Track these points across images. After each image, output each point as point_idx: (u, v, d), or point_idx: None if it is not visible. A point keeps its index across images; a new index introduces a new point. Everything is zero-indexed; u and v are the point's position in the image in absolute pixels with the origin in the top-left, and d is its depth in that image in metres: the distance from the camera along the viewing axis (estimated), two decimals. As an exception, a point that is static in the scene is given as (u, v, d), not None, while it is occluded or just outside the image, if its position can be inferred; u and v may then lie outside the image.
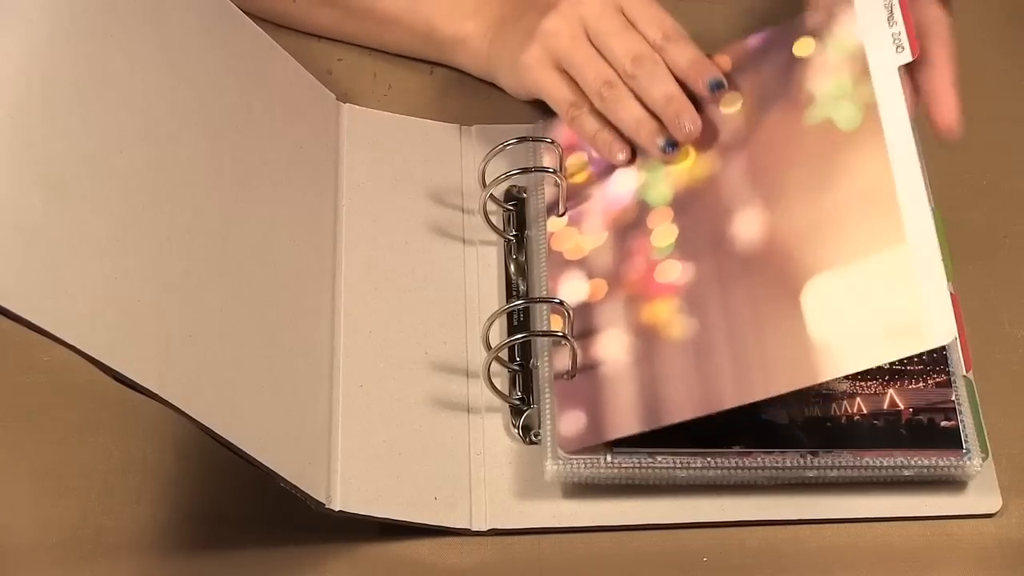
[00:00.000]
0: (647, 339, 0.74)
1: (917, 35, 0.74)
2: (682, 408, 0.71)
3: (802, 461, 0.72)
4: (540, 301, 0.77)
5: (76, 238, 0.61)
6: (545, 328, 0.76)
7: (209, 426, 0.64)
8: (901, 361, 0.74)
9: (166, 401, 0.62)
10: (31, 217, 0.59)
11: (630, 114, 0.79)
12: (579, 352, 0.74)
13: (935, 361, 0.74)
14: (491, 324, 0.75)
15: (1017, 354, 0.79)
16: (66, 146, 0.63)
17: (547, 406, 0.74)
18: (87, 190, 0.63)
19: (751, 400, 0.70)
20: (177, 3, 0.73)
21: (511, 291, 0.80)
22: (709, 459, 0.72)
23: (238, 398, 0.67)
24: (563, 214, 0.80)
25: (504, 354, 0.76)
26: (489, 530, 0.73)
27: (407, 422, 0.74)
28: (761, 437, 0.72)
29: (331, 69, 0.89)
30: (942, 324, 0.67)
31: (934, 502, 0.73)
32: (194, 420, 0.63)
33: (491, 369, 0.75)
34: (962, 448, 0.72)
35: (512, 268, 0.81)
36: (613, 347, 0.74)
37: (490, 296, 0.80)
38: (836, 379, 0.72)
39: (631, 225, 0.78)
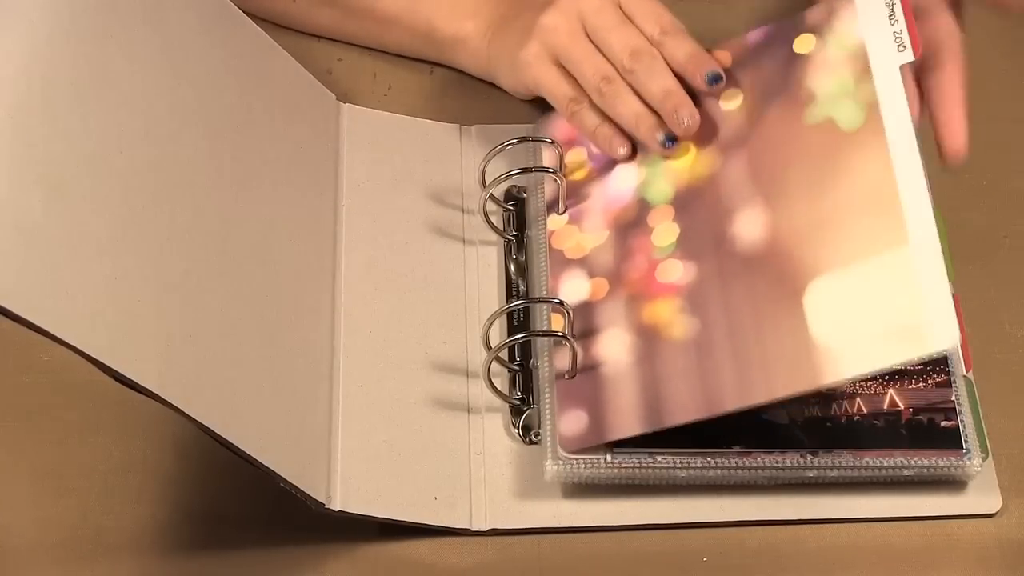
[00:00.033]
0: (648, 339, 0.74)
1: (929, 49, 0.74)
2: (684, 410, 0.71)
3: (802, 461, 0.72)
4: (540, 301, 0.77)
5: (76, 238, 0.61)
6: (545, 328, 0.76)
7: (209, 426, 0.64)
8: (901, 361, 0.74)
9: (166, 401, 0.62)
10: (31, 217, 0.59)
11: (629, 109, 0.79)
12: (579, 352, 0.74)
13: (935, 361, 0.74)
14: (491, 324, 0.75)
15: (1017, 354, 0.79)
16: (66, 146, 0.63)
17: (547, 406, 0.74)
18: (87, 190, 0.63)
19: (753, 404, 0.70)
20: (177, 3, 0.73)
21: (511, 291, 0.80)
22: (709, 459, 0.72)
23: (238, 398, 0.67)
24: (563, 212, 0.80)
25: (504, 354, 0.76)
26: (489, 530, 0.73)
27: (407, 422, 0.74)
28: (761, 437, 0.72)
29: (331, 69, 0.89)
30: (945, 330, 0.67)
31: (934, 502, 0.73)
32: (194, 420, 0.63)
33: (491, 369, 0.75)
34: (962, 448, 0.72)
35: (512, 268, 0.81)
36: (614, 347, 0.74)
37: (490, 296, 0.80)
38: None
39: (632, 223, 0.78)
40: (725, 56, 0.80)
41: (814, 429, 0.72)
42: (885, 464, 0.72)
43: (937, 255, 0.68)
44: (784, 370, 0.70)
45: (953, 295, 0.68)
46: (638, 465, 0.72)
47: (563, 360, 0.74)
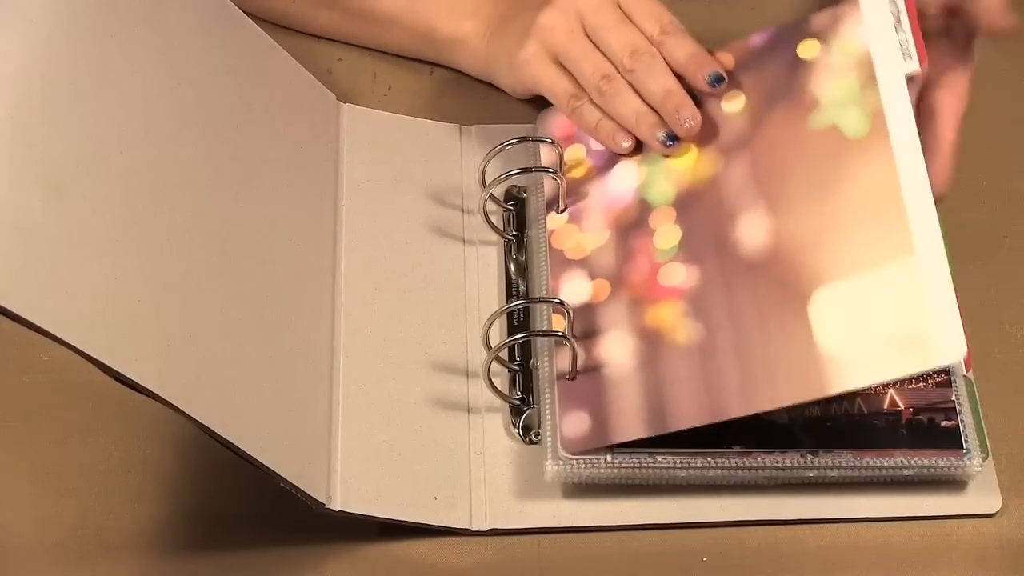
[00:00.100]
0: (652, 342, 0.73)
1: (933, 76, 0.74)
2: (688, 415, 0.71)
3: (802, 461, 0.72)
4: (540, 301, 0.77)
5: (76, 238, 0.61)
6: (545, 328, 0.76)
7: (209, 426, 0.64)
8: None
9: (166, 401, 0.62)
10: (31, 217, 0.59)
11: (629, 108, 0.79)
12: (580, 352, 0.74)
13: (935, 361, 0.74)
14: (491, 324, 0.75)
15: (1017, 354, 0.79)
16: (66, 146, 0.63)
17: (547, 406, 0.74)
18: (87, 190, 0.63)
19: (758, 411, 0.70)
20: (177, 3, 0.73)
21: (511, 291, 0.80)
22: (709, 459, 0.72)
23: (238, 398, 0.67)
24: (563, 211, 0.80)
25: (504, 354, 0.76)
26: (489, 530, 0.73)
27: (407, 422, 0.74)
28: (761, 437, 0.72)
29: (331, 69, 0.89)
30: (952, 342, 0.67)
31: (934, 502, 0.73)
32: (194, 420, 0.63)
33: (491, 369, 0.75)
34: (962, 448, 0.72)
35: (512, 268, 0.81)
36: (617, 349, 0.74)
37: (490, 296, 0.80)
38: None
39: (633, 224, 0.78)
40: (727, 58, 0.80)
41: (814, 429, 0.72)
42: (885, 464, 0.72)
43: (943, 266, 0.68)
44: (789, 378, 0.70)
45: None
46: (638, 465, 0.72)
47: (564, 361, 0.74)
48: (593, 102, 0.80)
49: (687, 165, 0.78)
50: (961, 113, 0.76)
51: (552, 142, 0.81)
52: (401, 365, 0.76)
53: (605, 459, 0.72)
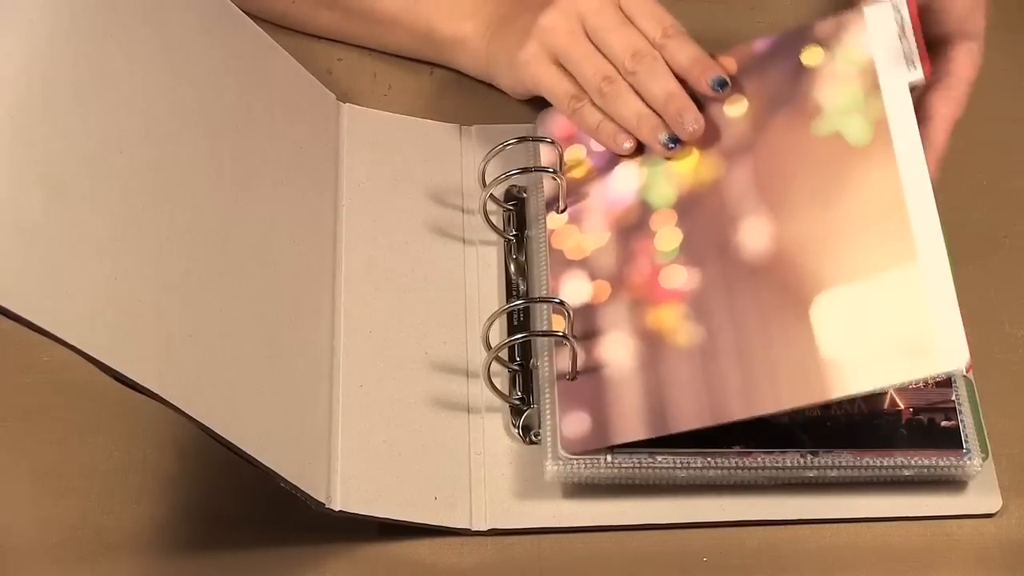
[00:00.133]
0: (653, 344, 0.73)
1: (935, 80, 0.75)
2: (689, 417, 0.71)
3: (802, 461, 0.72)
4: (540, 301, 0.77)
5: (76, 238, 0.61)
6: (545, 328, 0.76)
7: (209, 426, 0.64)
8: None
9: (166, 401, 0.62)
10: (31, 217, 0.59)
11: (630, 110, 0.79)
12: (580, 352, 0.74)
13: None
14: (491, 324, 0.75)
15: (1017, 354, 0.79)
16: (66, 146, 0.63)
17: (547, 406, 0.74)
18: (87, 190, 0.63)
19: (760, 414, 0.70)
20: (177, 3, 0.73)
21: (511, 291, 0.80)
22: (709, 459, 0.72)
23: (238, 398, 0.67)
24: (563, 211, 0.80)
25: (504, 354, 0.76)
26: (489, 530, 0.73)
27: (407, 422, 0.74)
28: (761, 437, 0.72)
29: (331, 69, 0.89)
30: (955, 349, 0.67)
31: (934, 502, 0.73)
32: (194, 420, 0.63)
33: (491, 369, 0.75)
34: (962, 448, 0.72)
35: (512, 268, 0.81)
36: (618, 350, 0.74)
37: (490, 296, 0.80)
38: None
39: (633, 226, 0.78)
40: (730, 62, 0.80)
41: (814, 429, 0.72)
42: (885, 464, 0.72)
43: (946, 273, 0.69)
44: (791, 382, 0.70)
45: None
46: (638, 465, 0.72)
47: (564, 361, 0.74)
48: (594, 103, 0.80)
49: (688, 168, 0.78)
50: (955, 117, 0.76)
51: (552, 142, 0.81)
52: (401, 365, 0.76)
53: (605, 459, 0.72)
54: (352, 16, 0.88)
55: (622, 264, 0.77)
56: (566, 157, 0.81)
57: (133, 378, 0.61)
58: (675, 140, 0.78)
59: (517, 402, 0.76)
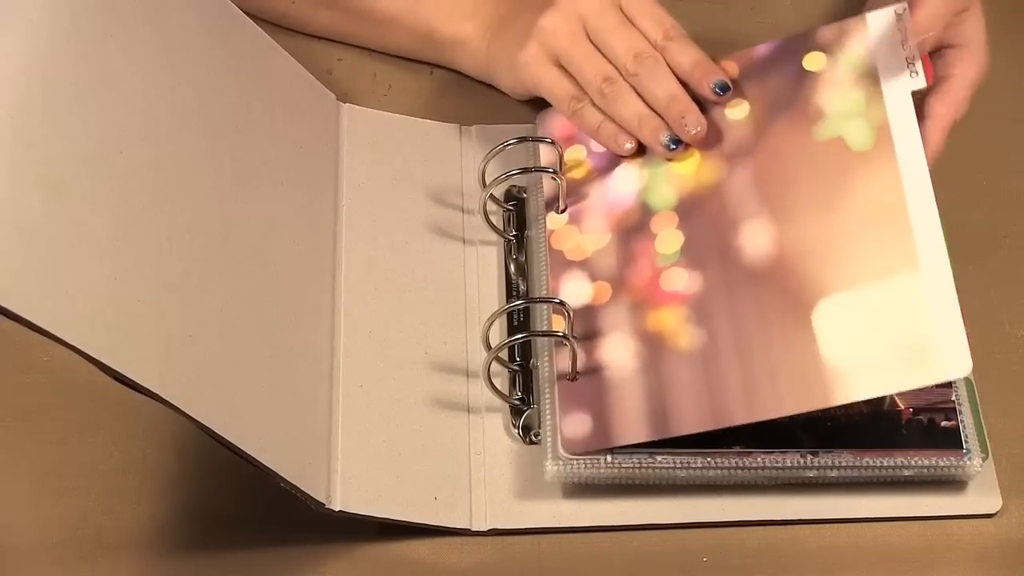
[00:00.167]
0: (654, 347, 0.73)
1: (937, 79, 0.75)
2: (690, 420, 0.71)
3: (802, 461, 0.72)
4: (540, 301, 0.77)
5: (76, 238, 0.61)
6: (546, 328, 0.76)
7: (209, 426, 0.64)
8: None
9: (166, 401, 0.62)
10: (31, 217, 0.59)
11: (632, 111, 0.79)
12: (580, 353, 0.74)
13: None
14: (491, 324, 0.75)
15: (1017, 354, 0.79)
16: (66, 146, 0.63)
17: (547, 406, 0.74)
18: (87, 190, 0.63)
19: (761, 419, 0.70)
20: (177, 3, 0.73)
21: (511, 291, 0.80)
22: (709, 459, 0.72)
23: (238, 398, 0.67)
24: (563, 211, 0.80)
25: (504, 354, 0.76)
26: (489, 530, 0.73)
27: (407, 422, 0.74)
28: (761, 437, 0.72)
29: (331, 69, 0.89)
30: (957, 357, 0.68)
31: (934, 502, 0.73)
32: (194, 420, 0.63)
33: (491, 369, 0.75)
34: (962, 448, 0.72)
35: (512, 268, 0.81)
36: (618, 352, 0.74)
37: (490, 296, 0.80)
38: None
39: (634, 228, 0.78)
40: (731, 66, 0.80)
41: (814, 429, 0.72)
42: (885, 464, 0.72)
43: (948, 281, 0.69)
44: (793, 387, 0.70)
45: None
46: (638, 465, 0.72)
47: (564, 361, 0.74)
48: (594, 104, 0.80)
49: (689, 170, 0.78)
50: (953, 118, 0.76)
51: (552, 142, 0.81)
52: (401, 365, 0.76)
53: (605, 459, 0.72)
54: (352, 16, 0.88)
55: (623, 266, 0.77)
56: (566, 157, 0.81)
57: (133, 378, 0.61)
58: (676, 141, 0.78)
59: (517, 402, 0.76)
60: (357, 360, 0.75)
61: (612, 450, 0.72)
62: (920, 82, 0.74)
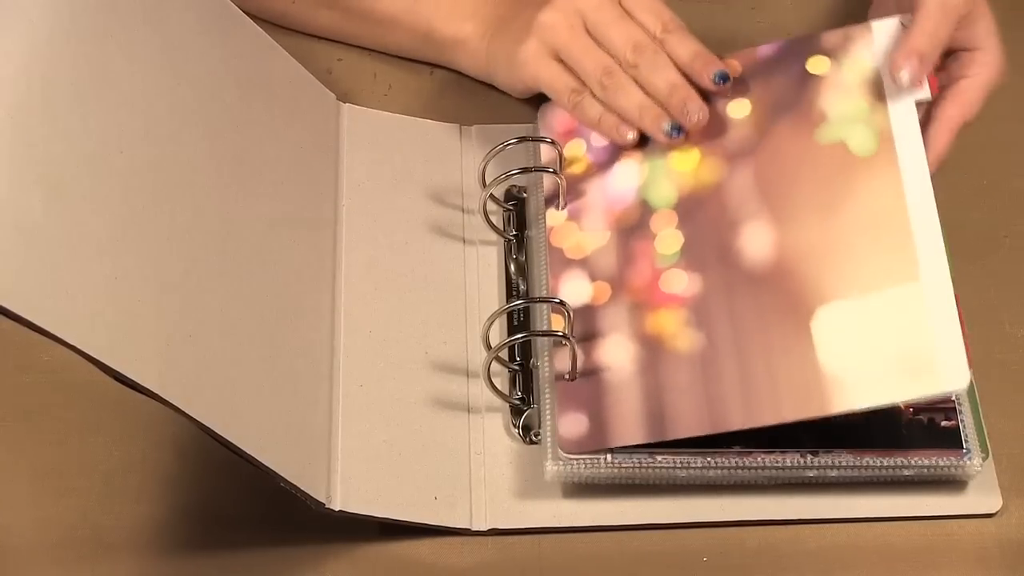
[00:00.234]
0: (652, 349, 0.73)
1: (948, 82, 0.75)
2: (688, 424, 0.71)
3: (802, 461, 0.72)
4: (540, 301, 0.77)
5: (76, 238, 0.61)
6: (545, 328, 0.76)
7: (209, 426, 0.64)
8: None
9: (166, 401, 0.62)
10: (31, 217, 0.59)
11: (632, 101, 0.79)
12: (580, 353, 0.74)
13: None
14: (491, 324, 0.75)
15: (1017, 354, 0.79)
16: (66, 146, 0.63)
17: (547, 406, 0.74)
18: (87, 190, 0.63)
19: (759, 424, 0.70)
20: (177, 3, 0.73)
21: (511, 291, 0.80)
22: (709, 459, 0.72)
23: (238, 398, 0.67)
24: (563, 208, 0.80)
25: (504, 354, 0.76)
26: (489, 530, 0.73)
27: (407, 422, 0.74)
28: (761, 437, 0.72)
29: (331, 69, 0.89)
30: (956, 369, 0.68)
31: (934, 502, 0.73)
32: (194, 420, 0.63)
33: (491, 369, 0.75)
34: (962, 448, 0.72)
35: (512, 268, 0.81)
36: (617, 353, 0.74)
37: (490, 296, 0.80)
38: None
39: (634, 227, 0.78)
40: (734, 64, 0.80)
41: (814, 429, 0.72)
42: (885, 464, 0.72)
43: (948, 292, 0.69)
44: (792, 395, 0.70)
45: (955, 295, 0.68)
46: (638, 465, 0.72)
47: (563, 361, 0.74)
48: (595, 97, 0.80)
49: (689, 167, 0.78)
50: (961, 119, 0.76)
51: (552, 142, 0.81)
52: (401, 365, 0.76)
53: (605, 459, 0.72)
54: (352, 16, 0.88)
55: (622, 266, 0.77)
56: (566, 152, 0.81)
57: (133, 378, 0.61)
58: (678, 128, 0.78)
59: (517, 402, 0.76)
60: (357, 360, 0.75)
61: (612, 450, 0.72)
62: (924, 93, 0.74)
